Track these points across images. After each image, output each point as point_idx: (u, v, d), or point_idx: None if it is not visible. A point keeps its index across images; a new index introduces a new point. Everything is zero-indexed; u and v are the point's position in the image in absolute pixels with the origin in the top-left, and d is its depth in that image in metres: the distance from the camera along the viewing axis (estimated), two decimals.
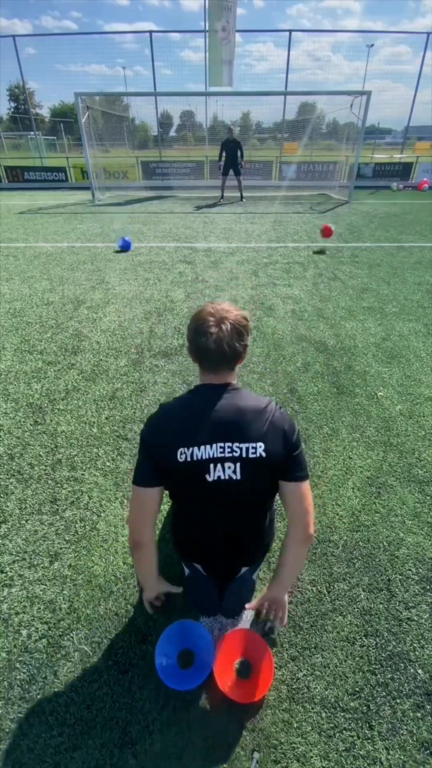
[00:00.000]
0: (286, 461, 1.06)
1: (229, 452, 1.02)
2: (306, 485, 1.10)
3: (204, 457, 1.02)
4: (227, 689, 1.12)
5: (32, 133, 18.81)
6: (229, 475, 1.04)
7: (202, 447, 1.02)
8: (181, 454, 1.02)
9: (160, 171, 14.35)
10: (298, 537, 1.12)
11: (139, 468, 1.09)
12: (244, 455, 1.02)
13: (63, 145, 25.05)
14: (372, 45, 23.04)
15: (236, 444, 1.02)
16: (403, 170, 14.55)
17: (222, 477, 1.04)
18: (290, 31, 14.73)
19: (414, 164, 14.70)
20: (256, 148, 22.88)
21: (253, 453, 1.02)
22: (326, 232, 6.05)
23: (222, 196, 10.77)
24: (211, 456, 1.02)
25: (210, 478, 1.04)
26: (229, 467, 1.03)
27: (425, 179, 13.62)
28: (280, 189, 13.34)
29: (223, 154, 9.64)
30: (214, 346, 1.01)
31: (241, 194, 10.71)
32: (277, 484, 1.12)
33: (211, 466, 1.03)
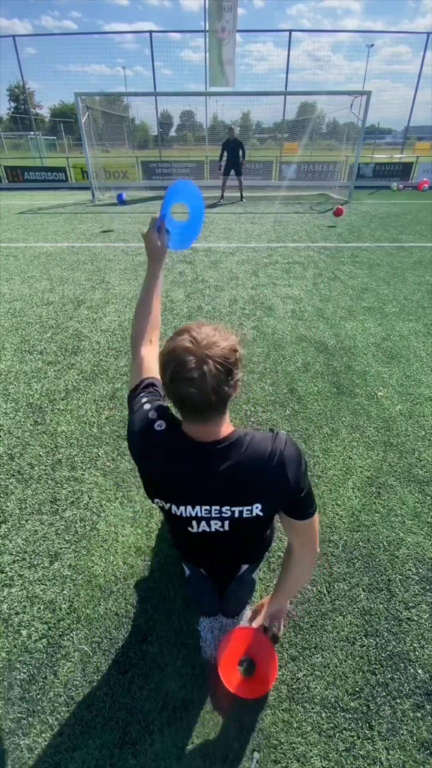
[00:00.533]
0: (291, 506, 0.93)
1: (216, 513, 0.91)
2: (314, 519, 0.97)
3: (185, 516, 0.93)
4: (233, 687, 1.12)
5: (32, 133, 18.81)
6: (215, 529, 0.95)
7: (182, 507, 0.91)
8: (158, 502, 0.93)
9: (160, 171, 14.36)
10: (306, 560, 1.07)
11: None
12: (236, 516, 0.91)
13: (63, 145, 25.06)
14: (372, 45, 23.03)
15: (226, 507, 0.90)
16: (403, 170, 14.55)
17: (207, 530, 0.96)
18: (290, 31, 14.74)
19: (414, 164, 14.70)
20: (256, 148, 22.90)
21: (248, 514, 0.90)
22: (338, 212, 7.91)
23: (222, 196, 10.76)
24: (193, 515, 0.92)
25: (193, 530, 0.96)
26: (215, 523, 0.94)
27: (425, 179, 13.62)
28: (280, 189, 13.33)
29: (224, 154, 9.66)
30: (198, 395, 0.76)
31: (242, 194, 10.71)
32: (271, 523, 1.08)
33: (194, 522, 0.94)
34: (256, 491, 0.88)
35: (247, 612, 1.35)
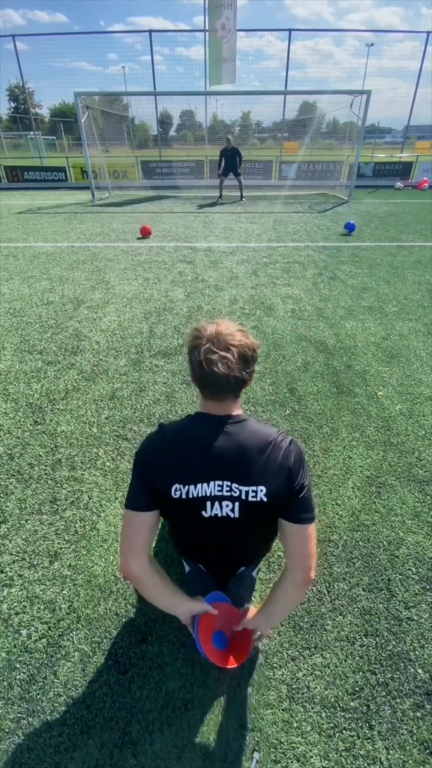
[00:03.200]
0: (290, 502, 0.97)
1: (227, 491, 0.96)
2: (311, 528, 0.99)
3: (200, 495, 0.96)
4: (216, 660, 1.09)
5: (32, 132, 18.80)
6: (226, 513, 0.98)
7: (199, 485, 0.96)
8: (175, 490, 0.96)
9: (159, 171, 14.36)
10: (298, 581, 1.01)
11: (132, 490, 1.00)
12: (243, 497, 0.96)
13: (63, 144, 25.06)
14: (372, 44, 23.05)
15: (236, 485, 0.95)
16: (403, 169, 14.54)
17: (219, 514, 0.98)
18: (290, 30, 14.72)
19: (414, 163, 14.69)
20: (256, 148, 22.86)
21: (253, 497, 0.95)
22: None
23: (220, 196, 10.78)
24: (207, 494, 0.96)
25: (206, 515, 0.98)
26: (227, 506, 0.97)
27: (425, 178, 13.61)
28: (280, 188, 13.33)
29: (222, 162, 9.88)
30: (221, 376, 0.92)
31: (241, 193, 10.72)
32: (276, 525, 1.04)
33: (208, 503, 0.97)
34: (260, 471, 0.95)
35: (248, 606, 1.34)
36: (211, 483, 0.96)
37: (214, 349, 0.92)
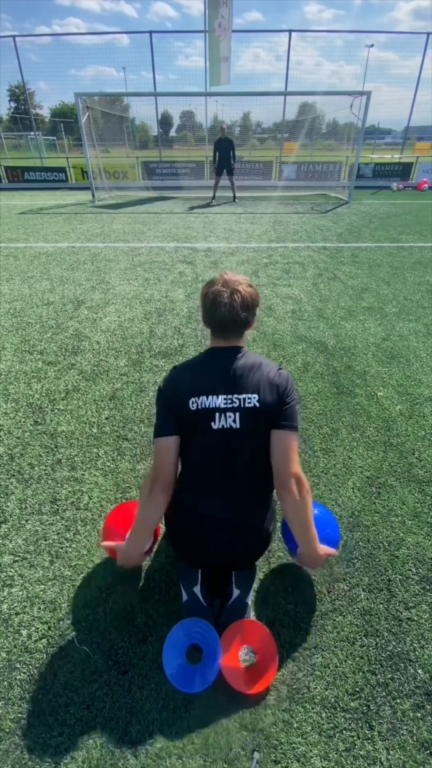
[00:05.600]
0: (277, 414, 1.16)
1: (230, 403, 1.16)
2: (292, 437, 1.17)
3: (211, 406, 1.16)
4: (236, 684, 1.13)
5: (32, 133, 18.82)
6: (230, 424, 1.16)
7: (210, 396, 1.16)
8: (192, 402, 1.16)
9: (160, 171, 14.36)
10: (292, 493, 1.13)
11: (158, 420, 1.22)
12: (241, 405, 1.15)
13: (63, 145, 25.08)
14: (372, 45, 23.07)
15: (235, 395, 1.16)
16: (403, 170, 14.56)
17: (224, 426, 1.16)
18: (290, 31, 14.74)
19: (414, 164, 14.71)
20: (256, 148, 22.89)
21: (248, 403, 1.15)
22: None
23: (213, 197, 10.74)
24: (216, 405, 1.16)
25: (215, 426, 1.16)
26: (230, 416, 1.16)
27: (425, 179, 13.63)
28: (280, 189, 13.34)
29: (216, 153, 9.72)
30: (228, 315, 1.16)
31: (234, 195, 10.66)
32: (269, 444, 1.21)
33: (217, 414, 1.16)
34: (253, 384, 1.17)
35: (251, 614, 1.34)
36: (219, 396, 1.16)
37: (223, 291, 1.17)
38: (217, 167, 9.93)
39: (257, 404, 1.15)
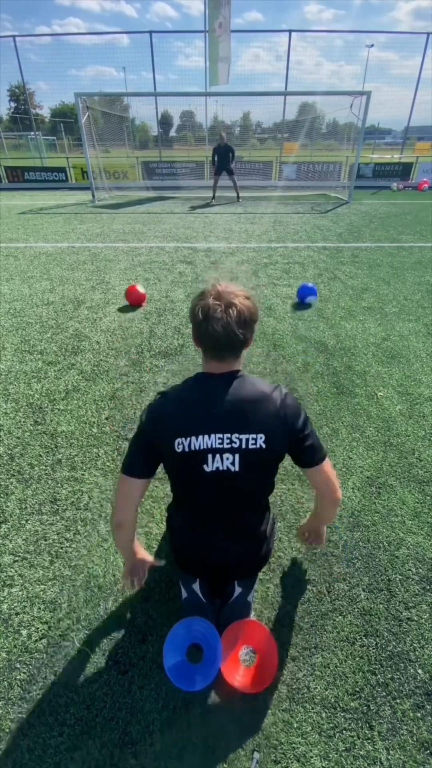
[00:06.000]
0: (299, 449, 1.06)
1: (228, 443, 0.99)
2: (326, 465, 1.10)
3: (202, 447, 0.99)
4: (236, 682, 1.13)
5: (32, 133, 18.82)
6: (227, 466, 1.01)
7: (200, 437, 0.99)
8: (178, 444, 0.99)
9: (160, 171, 14.36)
10: (327, 501, 1.19)
11: (130, 456, 1.06)
12: (243, 446, 1.00)
13: (63, 145, 25.07)
14: (372, 45, 23.08)
15: (236, 435, 0.99)
16: (403, 170, 14.56)
17: (220, 468, 1.01)
18: (290, 31, 14.74)
19: (414, 164, 14.71)
20: (256, 148, 22.88)
21: (253, 444, 0.99)
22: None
23: (213, 197, 10.74)
24: (209, 446, 0.99)
25: (208, 469, 1.01)
26: (227, 458, 1.01)
27: (425, 179, 13.63)
28: (280, 189, 13.34)
29: (215, 158, 9.88)
30: (222, 333, 0.95)
31: (238, 194, 10.66)
32: (274, 478, 1.14)
33: (209, 456, 1.00)
34: (258, 420, 0.99)
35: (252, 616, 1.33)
36: (212, 435, 0.99)
37: (217, 305, 0.95)
38: (216, 169, 10.01)
39: (263, 445, 0.99)
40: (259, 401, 1.00)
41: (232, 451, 1.00)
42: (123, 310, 3.80)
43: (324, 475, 1.10)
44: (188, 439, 0.99)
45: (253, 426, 0.99)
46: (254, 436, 0.99)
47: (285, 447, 1.04)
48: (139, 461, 1.06)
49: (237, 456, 1.00)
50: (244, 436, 0.99)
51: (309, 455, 1.07)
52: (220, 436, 0.99)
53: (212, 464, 1.01)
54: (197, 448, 0.99)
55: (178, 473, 1.09)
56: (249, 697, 1.14)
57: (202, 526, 1.18)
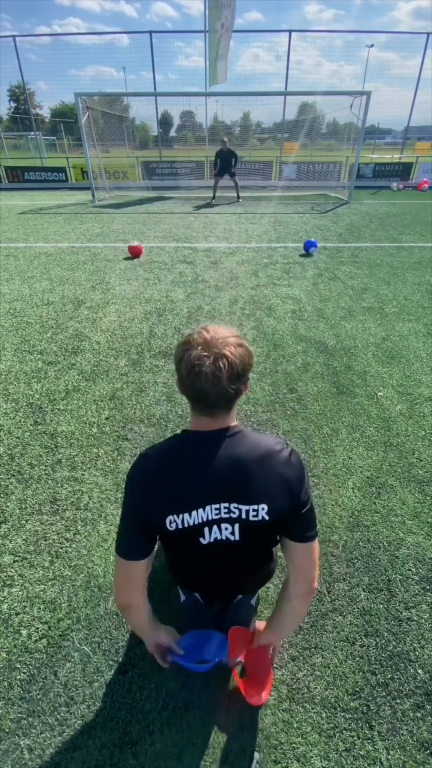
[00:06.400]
0: (293, 520, 0.92)
1: (226, 513, 0.89)
2: (315, 545, 0.95)
3: (197, 522, 0.89)
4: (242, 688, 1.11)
5: (32, 133, 18.82)
6: (226, 537, 0.92)
7: (194, 512, 0.88)
8: (170, 522, 0.88)
9: (160, 171, 14.37)
10: (301, 592, 0.99)
11: (124, 536, 0.92)
12: (244, 517, 0.89)
13: (63, 145, 25.08)
14: (372, 45, 23.08)
15: (234, 504, 0.88)
16: (403, 170, 14.56)
17: (219, 538, 0.92)
18: (290, 31, 14.75)
19: (414, 164, 14.71)
20: (256, 148, 22.88)
21: (254, 516, 0.88)
22: None
23: (213, 197, 10.76)
24: (205, 520, 0.89)
25: (204, 542, 0.92)
26: (226, 528, 0.91)
27: (425, 179, 13.63)
28: (280, 189, 13.34)
29: (218, 162, 9.97)
30: (211, 389, 0.82)
31: (238, 194, 10.69)
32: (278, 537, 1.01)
33: (206, 529, 0.91)
34: (260, 487, 0.88)
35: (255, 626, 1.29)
36: (207, 507, 0.88)
37: (205, 357, 0.81)
38: (218, 171, 10.11)
39: (266, 517, 0.88)
40: (261, 464, 0.88)
41: (231, 521, 0.90)
42: (123, 310, 3.80)
43: (311, 553, 0.95)
44: (181, 516, 0.88)
45: (254, 494, 0.88)
46: (255, 507, 0.88)
47: (288, 514, 0.91)
48: (134, 542, 0.92)
49: (236, 526, 0.91)
50: (244, 507, 0.88)
51: (303, 529, 0.93)
52: (217, 506, 0.88)
53: (209, 536, 0.92)
54: (192, 524, 0.89)
55: (172, 547, 1.00)
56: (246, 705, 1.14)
57: (198, 589, 1.17)
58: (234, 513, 0.89)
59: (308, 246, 5.68)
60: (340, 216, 8.69)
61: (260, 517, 0.88)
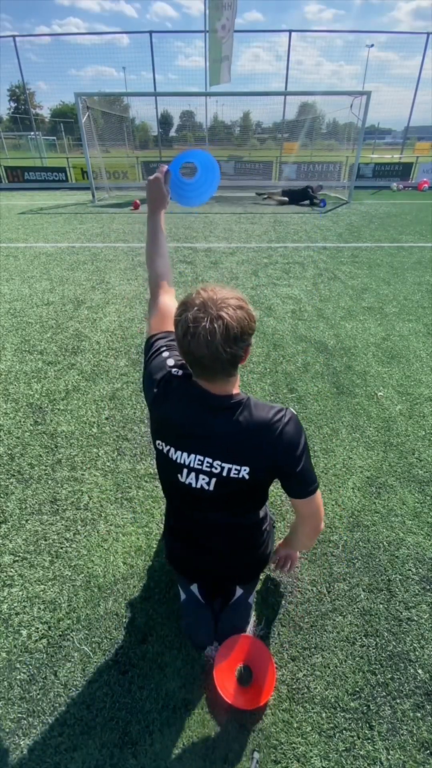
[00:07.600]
0: (288, 480, 0.98)
1: (207, 467, 0.94)
2: (317, 497, 1.01)
3: (179, 462, 0.96)
4: (230, 697, 1.10)
5: (32, 133, 18.82)
6: (201, 485, 0.96)
7: (180, 452, 0.95)
8: (159, 443, 0.99)
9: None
10: (307, 531, 1.13)
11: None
12: (224, 474, 0.93)
13: (63, 145, 25.06)
14: (372, 45, 23.07)
15: (218, 461, 0.92)
16: (403, 170, 14.56)
17: (193, 485, 0.97)
18: (290, 31, 14.75)
19: (414, 164, 14.71)
20: (256, 149, 22.87)
21: (234, 474, 0.92)
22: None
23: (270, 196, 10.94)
24: (185, 463, 0.95)
25: (181, 479, 0.99)
26: (203, 479, 0.95)
27: (425, 179, 13.63)
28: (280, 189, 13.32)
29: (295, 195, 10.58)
30: (206, 351, 0.79)
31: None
32: (261, 497, 1.07)
33: (185, 471, 0.96)
34: (247, 454, 0.91)
35: (251, 626, 1.31)
36: (192, 455, 0.94)
37: (201, 317, 0.78)
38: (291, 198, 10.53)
39: (246, 476, 0.92)
40: (254, 434, 0.90)
41: (209, 474, 0.95)
42: (123, 310, 3.80)
43: (313, 507, 1.02)
44: (168, 447, 0.97)
45: (240, 458, 0.92)
46: (237, 467, 0.92)
47: (273, 476, 0.98)
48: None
49: (214, 480, 0.95)
50: (226, 465, 0.92)
51: (300, 487, 0.98)
52: (201, 458, 0.93)
53: (186, 478, 0.98)
54: (173, 459, 0.97)
55: (157, 458, 1.06)
56: (245, 713, 1.13)
57: (189, 535, 1.17)
58: (215, 469, 0.93)
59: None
60: (340, 216, 8.69)
61: (240, 476, 0.93)
